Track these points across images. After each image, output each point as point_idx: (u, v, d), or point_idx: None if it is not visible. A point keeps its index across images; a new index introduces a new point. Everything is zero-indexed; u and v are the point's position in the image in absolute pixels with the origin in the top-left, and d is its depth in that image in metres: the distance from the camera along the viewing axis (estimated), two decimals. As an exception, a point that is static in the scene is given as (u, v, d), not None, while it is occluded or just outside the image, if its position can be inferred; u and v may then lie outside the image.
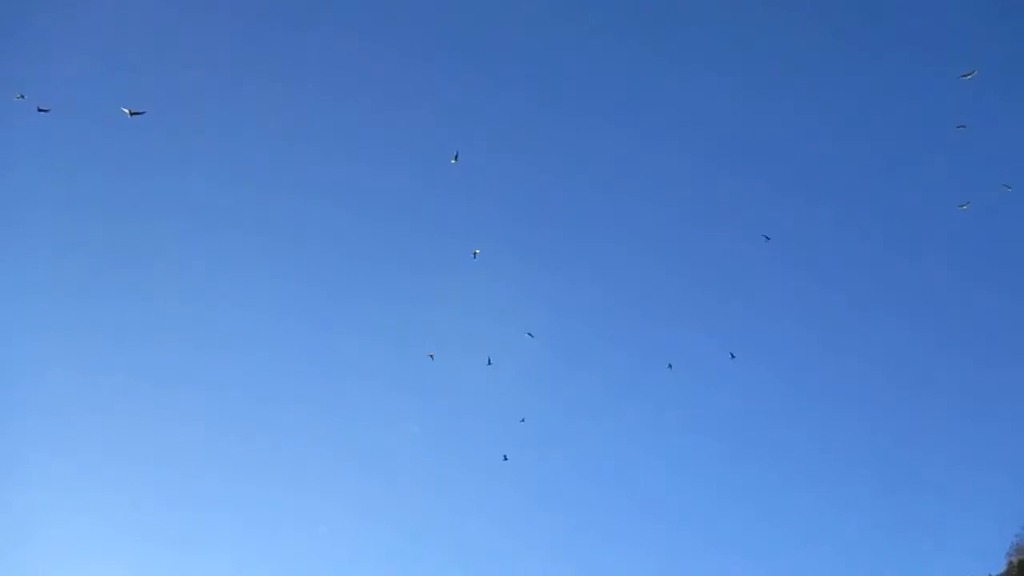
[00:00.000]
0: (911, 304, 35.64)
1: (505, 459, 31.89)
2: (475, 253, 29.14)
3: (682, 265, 35.20)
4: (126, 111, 26.27)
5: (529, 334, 30.96)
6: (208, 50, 33.28)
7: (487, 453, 35.22)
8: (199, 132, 33.38)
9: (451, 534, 33.88)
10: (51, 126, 31.52)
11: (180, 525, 31.70)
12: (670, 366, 32.07)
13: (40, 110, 26.31)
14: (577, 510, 34.50)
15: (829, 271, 36.06)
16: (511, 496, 34.47)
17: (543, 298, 35.01)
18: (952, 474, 35.27)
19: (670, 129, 35.77)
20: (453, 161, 28.73)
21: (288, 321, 33.49)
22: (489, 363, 31.34)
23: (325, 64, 34.06)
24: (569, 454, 34.15)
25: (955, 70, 33.62)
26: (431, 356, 30.45)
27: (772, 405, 35.23)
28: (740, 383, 35.20)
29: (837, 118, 34.57)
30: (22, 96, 26.13)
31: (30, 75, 31.02)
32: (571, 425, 34.69)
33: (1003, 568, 39.76)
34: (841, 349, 36.05)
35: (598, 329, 34.63)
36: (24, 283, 31.43)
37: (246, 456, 33.11)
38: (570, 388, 34.74)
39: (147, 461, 31.79)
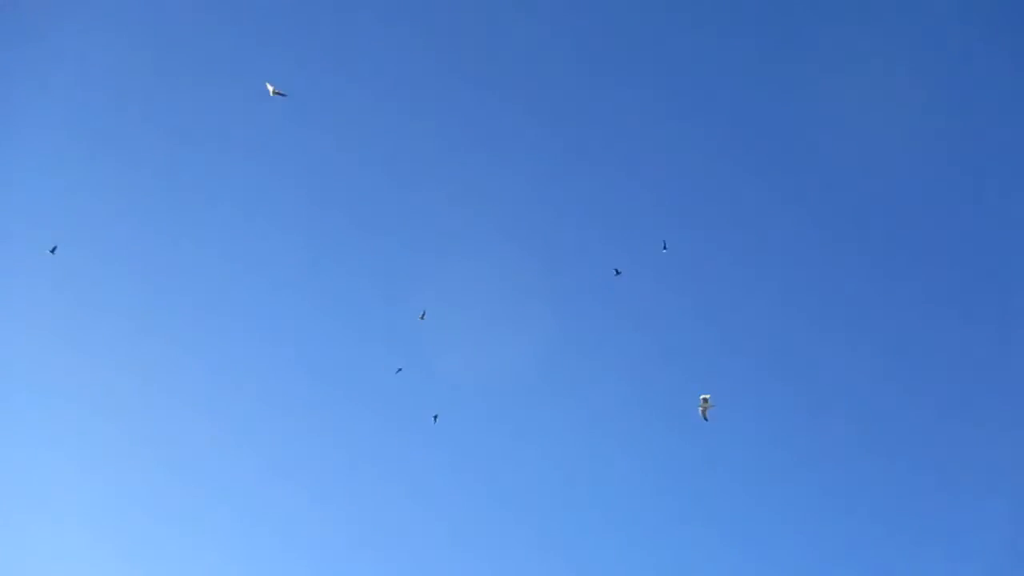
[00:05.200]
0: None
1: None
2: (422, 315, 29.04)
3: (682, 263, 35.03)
4: (269, 89, 24.16)
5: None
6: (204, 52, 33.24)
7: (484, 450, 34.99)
8: (191, 121, 33.14)
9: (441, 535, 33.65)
10: (52, 125, 31.46)
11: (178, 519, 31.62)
12: (664, 247, 29.96)
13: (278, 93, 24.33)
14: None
15: (825, 262, 35.73)
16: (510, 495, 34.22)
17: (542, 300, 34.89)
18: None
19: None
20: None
21: (286, 321, 33.44)
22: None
23: (323, 62, 33.92)
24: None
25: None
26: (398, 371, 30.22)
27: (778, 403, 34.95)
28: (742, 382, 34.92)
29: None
30: None
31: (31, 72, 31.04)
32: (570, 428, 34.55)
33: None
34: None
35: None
36: (23, 280, 31.43)
37: (244, 452, 33.02)
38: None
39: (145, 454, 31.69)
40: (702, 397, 24.55)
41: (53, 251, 26.44)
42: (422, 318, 28.75)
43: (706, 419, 24.52)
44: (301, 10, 33.09)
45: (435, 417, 29.56)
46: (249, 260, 33.30)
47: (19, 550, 29.11)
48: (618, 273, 29.31)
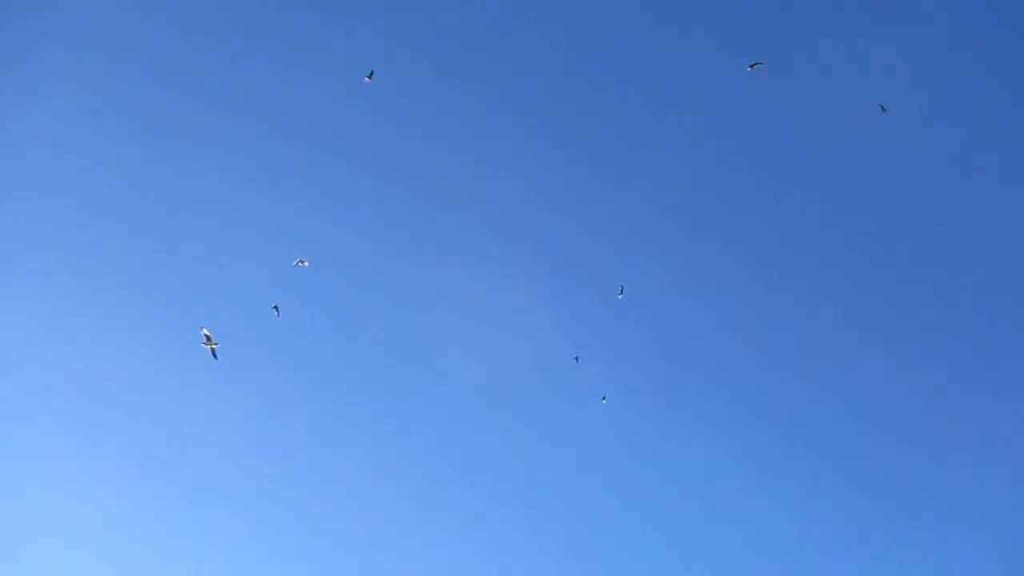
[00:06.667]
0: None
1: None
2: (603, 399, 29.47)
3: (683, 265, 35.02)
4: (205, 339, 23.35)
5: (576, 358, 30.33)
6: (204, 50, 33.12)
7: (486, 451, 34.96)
8: (198, 124, 33.09)
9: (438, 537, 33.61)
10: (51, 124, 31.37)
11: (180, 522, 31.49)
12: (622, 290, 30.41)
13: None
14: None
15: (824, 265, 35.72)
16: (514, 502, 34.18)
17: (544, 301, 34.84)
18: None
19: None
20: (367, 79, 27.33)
21: (288, 323, 33.34)
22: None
23: (321, 63, 33.79)
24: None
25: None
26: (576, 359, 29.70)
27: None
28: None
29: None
30: None
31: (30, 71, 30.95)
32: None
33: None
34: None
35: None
36: (23, 283, 31.34)
37: (253, 457, 32.97)
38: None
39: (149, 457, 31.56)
40: (203, 333, 22.62)
41: (276, 309, 26.86)
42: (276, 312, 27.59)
43: (216, 358, 22.76)
44: (295, 11, 32.96)
45: (603, 398, 29.89)
46: (246, 265, 33.21)
47: (20, 562, 29.02)
48: (622, 291, 29.70)
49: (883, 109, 28.88)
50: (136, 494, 30.96)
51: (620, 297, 29.74)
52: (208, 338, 22.69)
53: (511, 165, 34.26)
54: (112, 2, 31.35)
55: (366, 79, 26.99)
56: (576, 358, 29.84)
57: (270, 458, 32.42)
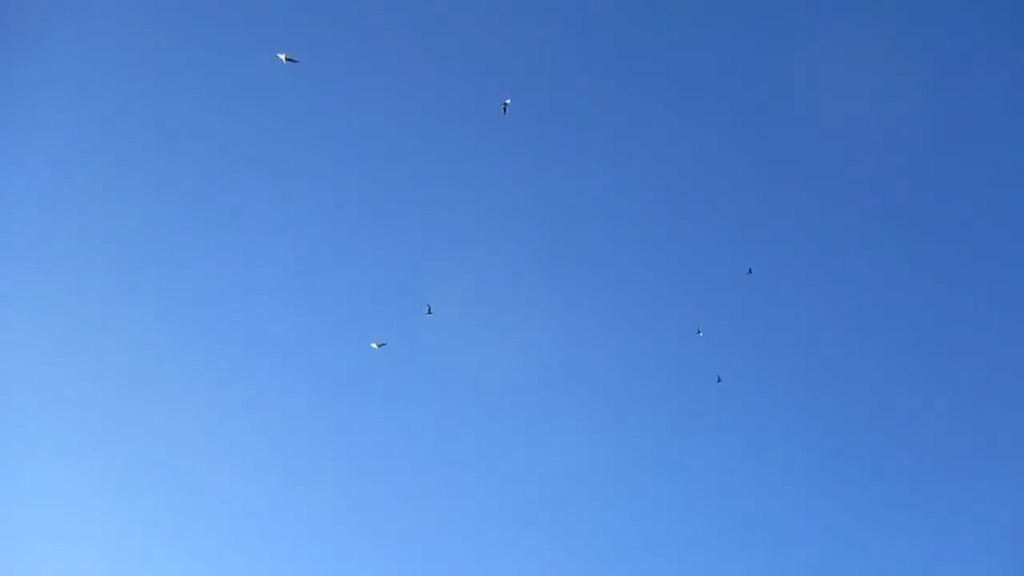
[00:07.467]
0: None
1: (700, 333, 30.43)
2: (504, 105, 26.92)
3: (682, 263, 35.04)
4: (282, 57, 24.37)
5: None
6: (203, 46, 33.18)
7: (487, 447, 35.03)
8: (199, 130, 33.15)
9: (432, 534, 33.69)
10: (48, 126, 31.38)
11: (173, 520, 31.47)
12: (699, 332, 30.52)
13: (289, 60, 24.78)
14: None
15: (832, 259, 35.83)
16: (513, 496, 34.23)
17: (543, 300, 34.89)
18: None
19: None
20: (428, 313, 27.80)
21: (286, 323, 33.39)
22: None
23: (324, 60, 33.82)
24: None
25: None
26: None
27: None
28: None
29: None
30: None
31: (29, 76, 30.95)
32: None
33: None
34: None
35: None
36: (20, 281, 31.41)
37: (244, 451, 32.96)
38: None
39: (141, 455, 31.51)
40: None
41: (429, 309, 27.41)
42: (429, 313, 28.05)
43: None
44: (294, 13, 32.99)
45: (718, 378, 29.65)
46: (247, 267, 33.28)
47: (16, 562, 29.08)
48: (751, 272, 30.03)
49: (750, 272, 29.92)
50: (132, 495, 31.07)
51: (750, 273, 30.08)
52: None
53: (512, 167, 34.34)
54: (115, 7, 31.47)
55: (503, 109, 26.95)
56: (699, 331, 29.99)
57: (267, 459, 32.52)
